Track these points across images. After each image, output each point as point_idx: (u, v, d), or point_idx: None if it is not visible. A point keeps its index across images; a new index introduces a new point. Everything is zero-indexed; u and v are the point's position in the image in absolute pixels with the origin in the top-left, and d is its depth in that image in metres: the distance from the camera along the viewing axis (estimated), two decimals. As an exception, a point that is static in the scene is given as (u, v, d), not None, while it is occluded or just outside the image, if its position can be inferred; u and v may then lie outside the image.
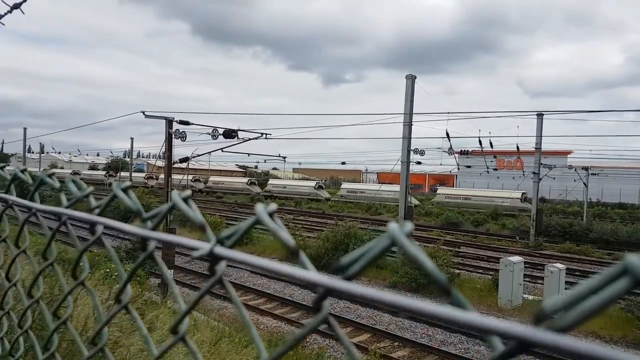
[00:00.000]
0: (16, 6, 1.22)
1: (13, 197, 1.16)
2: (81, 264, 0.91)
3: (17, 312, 1.31)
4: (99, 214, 0.84)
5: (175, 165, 16.65)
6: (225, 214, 37.62)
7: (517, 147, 30.40)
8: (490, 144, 28.18)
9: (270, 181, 65.62)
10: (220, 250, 0.59)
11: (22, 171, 1.15)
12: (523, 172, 39.21)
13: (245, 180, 64.26)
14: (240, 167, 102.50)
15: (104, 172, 78.84)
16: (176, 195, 0.81)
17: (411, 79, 21.22)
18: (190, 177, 64.90)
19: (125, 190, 0.80)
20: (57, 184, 1.03)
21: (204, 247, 0.59)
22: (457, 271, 18.33)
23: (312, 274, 0.50)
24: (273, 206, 0.58)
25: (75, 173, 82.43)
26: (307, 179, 73.14)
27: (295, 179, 76.00)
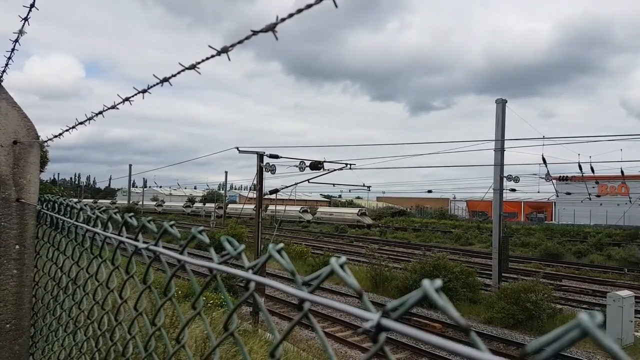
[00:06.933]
0: (166, 79, 1.39)
1: (162, 249, 1.29)
2: (233, 317, 0.99)
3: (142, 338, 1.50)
4: (255, 273, 0.92)
5: (265, 197, 17.24)
6: (311, 243, 38.12)
7: (622, 172, 28.00)
8: (592, 169, 26.21)
9: None
10: (387, 322, 0.62)
11: (171, 226, 1.28)
12: (629, 198, 36.22)
13: (355, 210, 62.30)
14: (324, 196, 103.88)
15: (214, 205, 78.24)
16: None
17: (501, 103, 20.54)
18: (298, 208, 66.03)
19: (279, 251, 0.87)
20: (206, 240, 1.13)
21: (372, 318, 0.63)
22: (559, 306, 17.07)
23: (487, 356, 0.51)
24: (439, 282, 0.60)
25: (187, 206, 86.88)
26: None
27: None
